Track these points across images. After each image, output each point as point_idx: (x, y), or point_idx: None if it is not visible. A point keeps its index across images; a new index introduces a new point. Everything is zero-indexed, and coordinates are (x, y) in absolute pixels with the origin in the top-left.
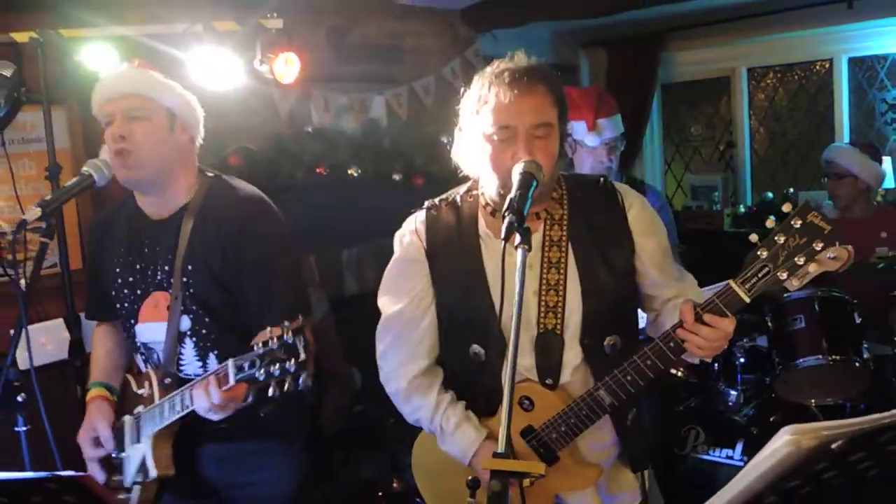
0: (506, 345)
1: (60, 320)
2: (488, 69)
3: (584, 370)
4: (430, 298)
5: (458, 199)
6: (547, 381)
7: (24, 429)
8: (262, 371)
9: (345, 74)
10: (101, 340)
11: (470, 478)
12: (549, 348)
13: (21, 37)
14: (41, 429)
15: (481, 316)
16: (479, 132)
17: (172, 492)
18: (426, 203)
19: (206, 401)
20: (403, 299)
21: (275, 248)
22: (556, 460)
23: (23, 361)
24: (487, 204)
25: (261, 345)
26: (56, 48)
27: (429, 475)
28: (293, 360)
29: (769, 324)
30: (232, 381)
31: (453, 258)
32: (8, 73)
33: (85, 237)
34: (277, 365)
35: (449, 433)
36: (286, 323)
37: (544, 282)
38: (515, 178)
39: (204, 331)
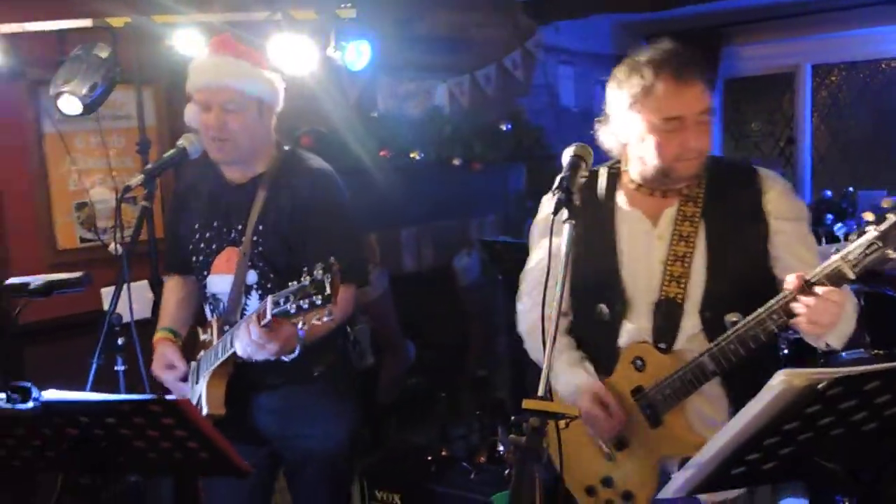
0: (627, 306)
1: (145, 282)
2: (640, 58)
3: (701, 340)
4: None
5: (601, 171)
6: (660, 345)
7: (123, 368)
8: (293, 305)
9: (411, 63)
10: (172, 291)
11: (513, 418)
12: (667, 315)
13: (117, 22)
14: (136, 370)
15: (608, 278)
16: (642, 120)
17: (227, 435)
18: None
19: (245, 336)
20: (541, 253)
21: (338, 216)
22: (661, 423)
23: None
24: (632, 181)
25: (295, 283)
26: (148, 33)
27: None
28: (319, 295)
29: None
30: (269, 315)
31: (590, 222)
32: (105, 54)
33: (167, 214)
34: (306, 300)
35: (561, 372)
36: (319, 263)
37: (672, 252)
38: (566, 160)
39: (269, 285)
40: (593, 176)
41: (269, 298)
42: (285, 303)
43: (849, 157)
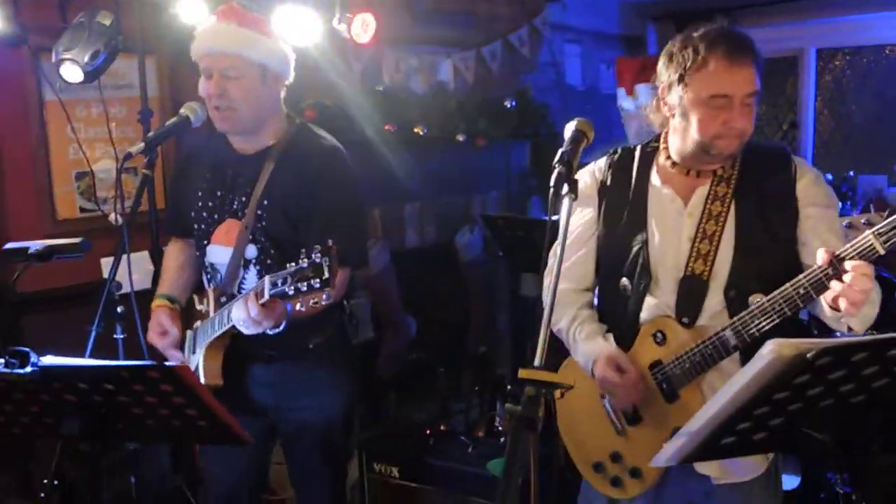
0: (651, 280)
1: (146, 252)
2: (696, 34)
3: (724, 318)
4: (593, 231)
5: (638, 149)
6: (683, 320)
7: (122, 336)
8: (291, 287)
9: (417, 37)
10: (173, 255)
11: (509, 387)
12: (692, 291)
13: None
14: (136, 339)
15: (634, 252)
16: (690, 96)
17: (224, 405)
18: (612, 149)
19: (244, 312)
20: (571, 224)
21: (344, 198)
22: (677, 398)
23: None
24: (668, 158)
25: (293, 264)
26: (152, 1)
27: (569, 423)
28: (318, 279)
29: None
30: (266, 295)
31: (621, 198)
32: (107, 22)
33: (169, 180)
34: (305, 282)
35: (581, 341)
36: (317, 245)
37: (700, 230)
38: (568, 134)
39: (269, 261)
40: (628, 154)
41: (267, 278)
42: (283, 284)
43: (851, 141)
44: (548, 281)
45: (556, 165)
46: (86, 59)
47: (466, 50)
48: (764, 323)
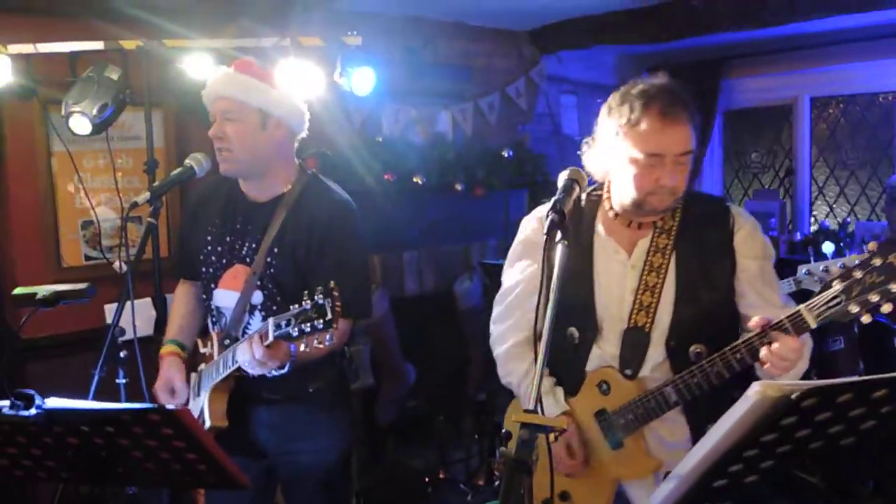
0: (598, 331)
1: (148, 299)
2: (633, 90)
3: (665, 368)
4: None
5: (582, 197)
6: (626, 372)
7: (124, 381)
8: (295, 329)
9: (416, 89)
10: (182, 301)
11: (504, 430)
12: (634, 343)
13: (129, 45)
14: (137, 384)
15: (582, 303)
16: (624, 152)
17: (226, 447)
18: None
19: (248, 354)
20: (518, 276)
21: (352, 251)
22: (621, 446)
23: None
24: (611, 208)
25: (296, 306)
26: (159, 56)
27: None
28: (321, 319)
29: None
30: (271, 337)
31: (570, 247)
32: (115, 76)
33: (173, 230)
34: (308, 323)
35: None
36: (319, 287)
37: (643, 282)
38: (561, 182)
39: (274, 307)
40: (576, 202)
41: (272, 320)
42: (287, 325)
43: (847, 188)
44: (496, 329)
45: (549, 213)
46: (94, 111)
47: (464, 101)
48: (703, 383)
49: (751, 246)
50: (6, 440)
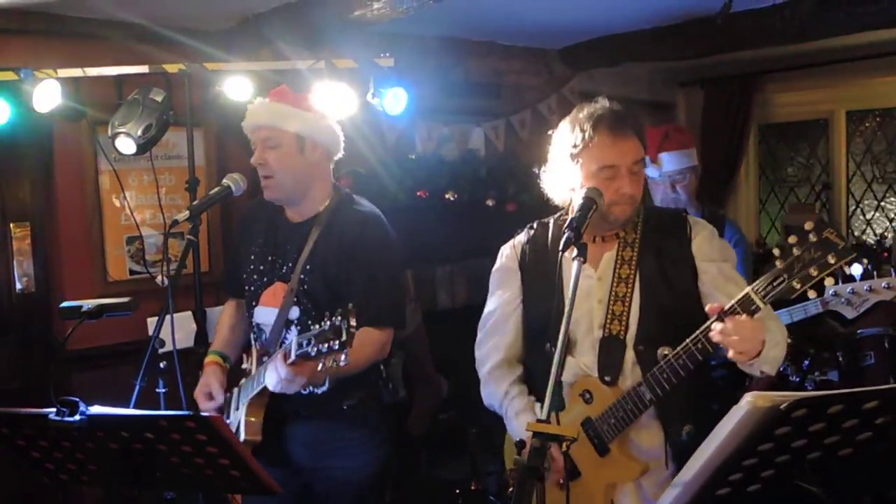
0: (571, 343)
1: (189, 313)
2: (580, 115)
3: (639, 372)
4: (518, 303)
5: (551, 221)
6: (605, 379)
7: (163, 391)
8: (313, 348)
9: (448, 108)
10: (228, 315)
11: (517, 439)
12: (611, 350)
13: (171, 68)
14: (176, 394)
15: (553, 319)
16: (582, 171)
17: (263, 462)
18: (529, 224)
19: (274, 374)
20: (497, 301)
21: (383, 264)
22: (608, 451)
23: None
24: None
25: (317, 326)
26: (200, 79)
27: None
28: (337, 341)
29: (839, 359)
30: (293, 356)
31: (540, 270)
32: (159, 98)
33: (213, 246)
34: (325, 344)
35: (511, 418)
36: (339, 309)
37: (613, 293)
38: (578, 201)
39: (309, 321)
40: (543, 228)
41: (294, 339)
42: (307, 345)
43: (885, 202)
44: (480, 353)
45: (566, 231)
46: (139, 132)
47: (496, 119)
48: (672, 376)
49: (707, 250)
50: (52, 445)
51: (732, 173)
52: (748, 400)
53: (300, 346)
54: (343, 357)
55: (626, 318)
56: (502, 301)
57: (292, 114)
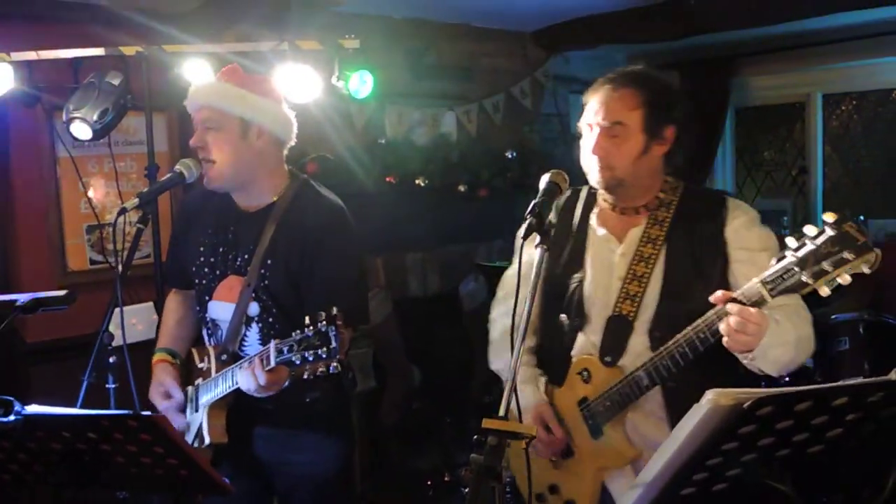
0: (585, 318)
1: (150, 304)
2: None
3: (647, 357)
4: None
5: (583, 189)
6: (606, 359)
7: (114, 386)
8: (297, 356)
9: (419, 91)
10: (173, 309)
11: (475, 437)
12: (617, 331)
13: (129, 50)
14: (127, 389)
15: (572, 290)
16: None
17: (226, 462)
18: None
19: (253, 382)
20: (517, 264)
21: (346, 259)
22: (601, 434)
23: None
24: (605, 199)
25: (298, 332)
26: (159, 62)
27: (515, 455)
28: (325, 348)
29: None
30: (273, 362)
31: (564, 237)
32: (116, 81)
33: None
34: (311, 351)
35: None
36: (322, 313)
37: (631, 271)
38: (542, 184)
39: (270, 319)
40: (575, 194)
41: (273, 345)
42: (289, 352)
43: (860, 186)
44: (494, 313)
45: (527, 216)
46: (95, 117)
47: (469, 103)
48: (671, 365)
49: (744, 237)
50: None
51: (709, 157)
52: (709, 398)
53: (280, 352)
54: (334, 365)
55: (639, 300)
56: (523, 264)
57: (238, 95)
